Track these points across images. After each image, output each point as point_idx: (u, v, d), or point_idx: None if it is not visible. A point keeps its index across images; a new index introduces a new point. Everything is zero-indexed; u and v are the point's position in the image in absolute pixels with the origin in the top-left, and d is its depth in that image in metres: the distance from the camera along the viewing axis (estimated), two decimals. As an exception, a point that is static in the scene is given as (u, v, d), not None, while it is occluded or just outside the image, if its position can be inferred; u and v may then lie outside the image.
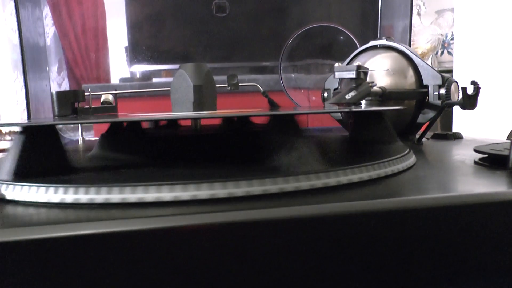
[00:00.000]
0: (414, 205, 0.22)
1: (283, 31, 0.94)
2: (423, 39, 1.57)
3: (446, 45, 1.71)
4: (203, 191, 0.23)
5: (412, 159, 0.32)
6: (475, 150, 0.33)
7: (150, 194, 0.23)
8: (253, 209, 0.21)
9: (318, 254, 0.21)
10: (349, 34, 0.69)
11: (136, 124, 0.35)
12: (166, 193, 0.23)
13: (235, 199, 0.23)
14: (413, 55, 0.49)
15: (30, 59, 0.66)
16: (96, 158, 0.34)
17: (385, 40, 0.50)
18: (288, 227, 0.21)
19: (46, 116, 0.68)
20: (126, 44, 1.00)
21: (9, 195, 0.25)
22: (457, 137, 0.50)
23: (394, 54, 0.50)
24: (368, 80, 0.42)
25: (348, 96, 0.33)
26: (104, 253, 0.20)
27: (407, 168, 0.30)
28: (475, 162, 0.32)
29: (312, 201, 0.22)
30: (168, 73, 1.13)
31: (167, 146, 0.35)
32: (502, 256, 0.23)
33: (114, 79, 1.44)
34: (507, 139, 0.59)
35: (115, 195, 0.23)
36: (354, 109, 0.30)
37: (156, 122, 0.45)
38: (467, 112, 0.46)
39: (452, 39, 1.68)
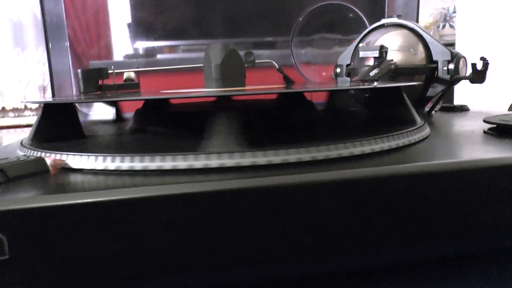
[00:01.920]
0: (435, 169, 0.26)
1: (287, 7, 0.95)
2: (425, 13, 1.58)
3: (447, 18, 1.73)
4: (245, 159, 0.26)
5: (427, 130, 0.35)
6: (485, 121, 0.36)
7: (199, 161, 0.26)
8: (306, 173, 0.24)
9: (355, 213, 0.24)
10: (358, 11, 0.72)
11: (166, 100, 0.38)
12: (215, 160, 0.26)
13: (275, 166, 0.26)
14: (423, 32, 0.51)
15: (50, 36, 0.68)
16: (137, 131, 0.37)
17: (396, 18, 0.53)
18: (329, 190, 0.24)
19: (67, 93, 0.71)
20: (129, 20, 1.01)
21: (73, 164, 0.28)
22: (464, 109, 0.53)
23: (405, 31, 0.52)
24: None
25: (372, 73, 0.36)
26: (158, 214, 0.22)
27: (423, 138, 0.33)
28: (484, 132, 0.35)
29: (345, 167, 0.25)
30: (172, 49, 1.14)
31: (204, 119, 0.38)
32: (510, 212, 0.27)
33: (117, 56, 1.45)
34: (508, 110, 0.62)
35: (167, 163, 0.26)
36: (381, 85, 0.32)
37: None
38: (468, 85, 0.49)
39: (454, 12, 1.69)
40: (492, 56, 0.54)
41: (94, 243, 0.22)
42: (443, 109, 0.55)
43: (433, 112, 0.51)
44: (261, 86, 0.45)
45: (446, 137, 0.35)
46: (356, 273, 0.30)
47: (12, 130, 1.95)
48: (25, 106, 2.00)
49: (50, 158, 0.28)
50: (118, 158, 0.27)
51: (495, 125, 0.35)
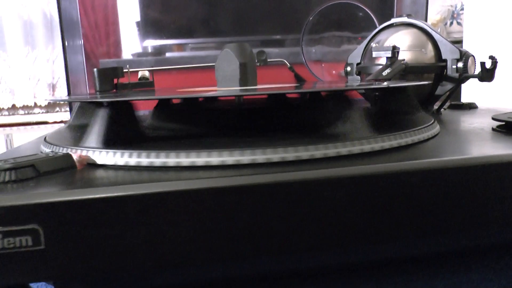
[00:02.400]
0: (446, 165, 0.27)
1: (296, 5, 0.96)
2: (432, 10, 1.58)
3: (455, 15, 1.73)
4: (263, 156, 0.27)
5: (437, 128, 0.36)
6: (493, 118, 0.37)
7: (213, 158, 0.27)
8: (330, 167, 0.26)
9: (368, 208, 0.26)
10: (367, 10, 0.72)
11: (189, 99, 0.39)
12: (216, 158, 0.27)
13: (300, 162, 0.27)
14: (432, 31, 0.52)
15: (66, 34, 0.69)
16: (155, 128, 0.38)
17: (406, 17, 0.54)
18: (343, 185, 0.25)
19: (82, 91, 0.72)
20: (138, 19, 1.03)
21: (98, 160, 0.29)
22: (472, 107, 0.54)
23: (414, 30, 0.53)
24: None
25: (384, 73, 0.37)
26: (175, 208, 0.23)
27: (433, 136, 0.35)
28: (493, 129, 0.36)
29: (364, 163, 0.27)
30: (180, 47, 1.15)
31: (217, 118, 0.39)
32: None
33: (126, 54, 1.47)
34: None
35: (185, 159, 0.27)
36: (394, 84, 0.34)
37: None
38: (475, 83, 0.50)
39: (462, 9, 1.69)
40: (499, 53, 0.55)
41: (123, 235, 0.23)
42: (451, 107, 0.55)
43: (442, 110, 0.52)
44: (271, 85, 0.46)
45: (456, 135, 0.36)
46: (364, 267, 0.32)
47: (22, 127, 1.98)
48: (35, 104, 2.03)
49: (76, 154, 0.30)
50: (143, 154, 0.28)
51: (503, 123, 0.36)
